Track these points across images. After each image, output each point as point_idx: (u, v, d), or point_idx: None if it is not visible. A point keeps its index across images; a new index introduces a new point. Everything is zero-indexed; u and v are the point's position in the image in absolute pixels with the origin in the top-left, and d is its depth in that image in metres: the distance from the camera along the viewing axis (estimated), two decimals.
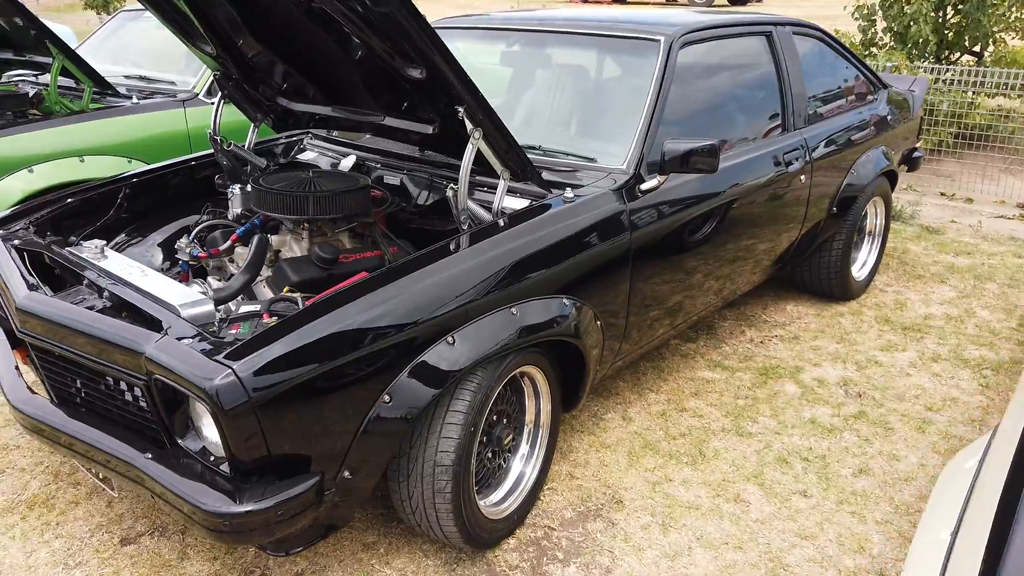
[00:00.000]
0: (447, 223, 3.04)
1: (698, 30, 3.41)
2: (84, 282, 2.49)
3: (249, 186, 3.28)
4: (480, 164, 2.62)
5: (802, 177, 3.94)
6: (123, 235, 3.28)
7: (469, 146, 2.49)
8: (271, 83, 3.30)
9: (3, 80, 5.71)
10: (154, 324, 2.20)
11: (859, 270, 4.88)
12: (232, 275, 2.98)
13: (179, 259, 3.05)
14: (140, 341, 2.03)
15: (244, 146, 3.56)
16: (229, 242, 2.95)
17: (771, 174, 3.68)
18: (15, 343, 2.78)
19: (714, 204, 3.32)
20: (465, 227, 2.59)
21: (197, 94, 4.89)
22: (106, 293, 2.38)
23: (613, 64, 3.38)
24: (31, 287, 2.42)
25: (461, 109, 2.41)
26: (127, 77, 5.16)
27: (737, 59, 3.75)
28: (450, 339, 2.26)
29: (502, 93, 3.60)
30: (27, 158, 4.14)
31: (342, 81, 3.01)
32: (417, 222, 3.15)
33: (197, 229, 3.17)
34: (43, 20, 4.71)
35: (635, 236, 2.90)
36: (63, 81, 4.83)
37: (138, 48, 5.60)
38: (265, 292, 2.73)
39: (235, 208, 3.29)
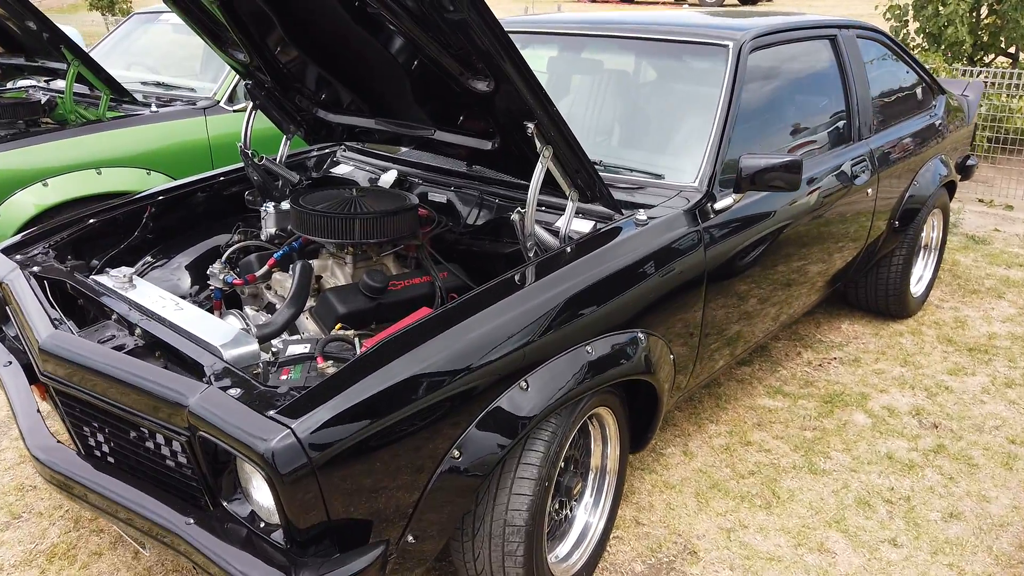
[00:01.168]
0: (501, 245, 2.81)
1: (767, 33, 3.17)
2: (112, 316, 2.26)
3: (284, 204, 3.06)
4: (523, 175, 2.39)
5: (869, 190, 3.70)
6: (148, 257, 3.04)
7: (539, 165, 2.25)
8: (307, 92, 3.07)
9: (14, 87, 5.50)
10: (192, 367, 1.98)
11: (915, 285, 4.64)
12: (268, 302, 2.75)
13: (211, 286, 2.81)
14: (182, 391, 1.79)
15: (276, 159, 3.33)
16: (266, 267, 2.72)
17: (840, 187, 3.44)
18: (33, 378, 2.55)
19: (784, 221, 3.08)
20: (531, 254, 2.35)
21: (218, 101, 4.67)
22: (138, 330, 2.15)
23: (676, 71, 3.14)
24: (54, 322, 2.18)
25: (531, 125, 2.17)
26: (143, 83, 4.93)
27: (804, 64, 3.51)
28: (523, 383, 2.02)
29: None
30: (41, 171, 3.92)
31: (387, 91, 2.77)
32: (466, 243, 2.91)
33: (229, 251, 2.94)
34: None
35: (709, 259, 2.66)
36: (78, 88, 4.61)
37: (154, 53, 5.38)
38: (306, 323, 2.50)
39: (269, 228, 3.06)
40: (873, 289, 4.43)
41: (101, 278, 2.47)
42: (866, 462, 3.18)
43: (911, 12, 9.00)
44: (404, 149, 3.46)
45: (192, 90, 4.82)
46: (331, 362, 1.97)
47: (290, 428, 1.63)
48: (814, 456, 3.21)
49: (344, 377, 1.77)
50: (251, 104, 3.23)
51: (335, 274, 2.72)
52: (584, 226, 2.57)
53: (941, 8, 8.70)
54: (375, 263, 2.78)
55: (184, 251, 3.13)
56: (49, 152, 3.98)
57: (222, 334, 2.08)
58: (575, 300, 2.18)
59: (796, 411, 3.56)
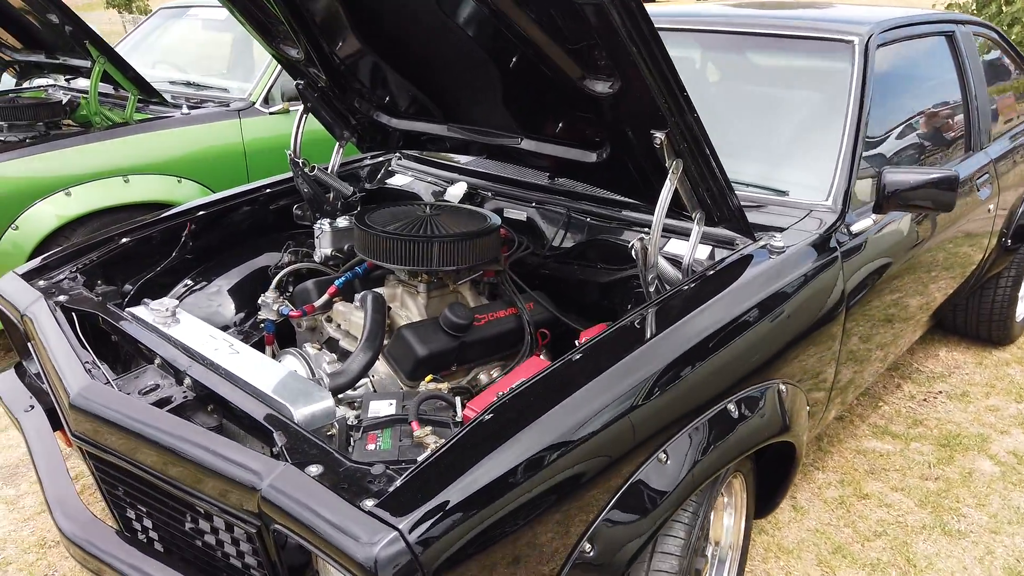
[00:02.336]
0: (594, 271, 2.46)
1: (891, 28, 2.79)
2: (155, 361, 1.91)
3: (341, 221, 2.71)
4: (634, 193, 2.04)
5: (990, 206, 3.31)
6: (187, 280, 2.70)
7: (667, 183, 1.89)
8: (367, 93, 2.72)
9: (31, 86, 5.19)
10: (253, 427, 1.63)
11: (1019, 309, 4.24)
12: (329, 337, 2.39)
13: (262, 317, 2.46)
14: (253, 470, 1.44)
15: (328, 169, 2.98)
16: (326, 296, 2.36)
17: (966, 203, 3.05)
18: (57, 423, 2.21)
19: (915, 244, 2.70)
20: (652, 288, 1.98)
21: (254, 103, 4.32)
22: (187, 380, 1.80)
23: (792, 69, 2.76)
24: (87, 369, 1.83)
25: (661, 135, 1.81)
26: (171, 83, 4.60)
27: (922, 64, 3.13)
28: (662, 455, 1.65)
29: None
30: (63, 178, 3.59)
31: (466, 93, 2.42)
32: (551, 268, 2.55)
33: (279, 276, 2.59)
34: None
35: (848, 290, 2.29)
36: (102, 88, 4.28)
37: (182, 50, 5.05)
38: (376, 364, 2.14)
39: (323, 248, 2.72)
40: (975, 313, 4.03)
41: (139, 311, 2.12)
42: (1006, 521, 2.79)
43: (973, 10, 8.60)
44: (467, 158, 3.10)
45: (225, 90, 4.48)
46: (429, 429, 1.61)
47: (397, 529, 1.27)
48: (944, 513, 2.82)
49: (457, 455, 1.40)
50: (302, 106, 2.87)
51: (406, 305, 2.36)
52: (700, 251, 2.21)
53: (1005, 7, 8.30)
54: (451, 292, 2.42)
55: (225, 273, 2.79)
56: (72, 158, 3.65)
57: (291, 388, 1.72)
58: (710, 347, 1.81)
59: (911, 456, 3.17)
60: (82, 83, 4.90)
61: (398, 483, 1.36)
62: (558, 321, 2.43)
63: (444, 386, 1.82)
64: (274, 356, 2.51)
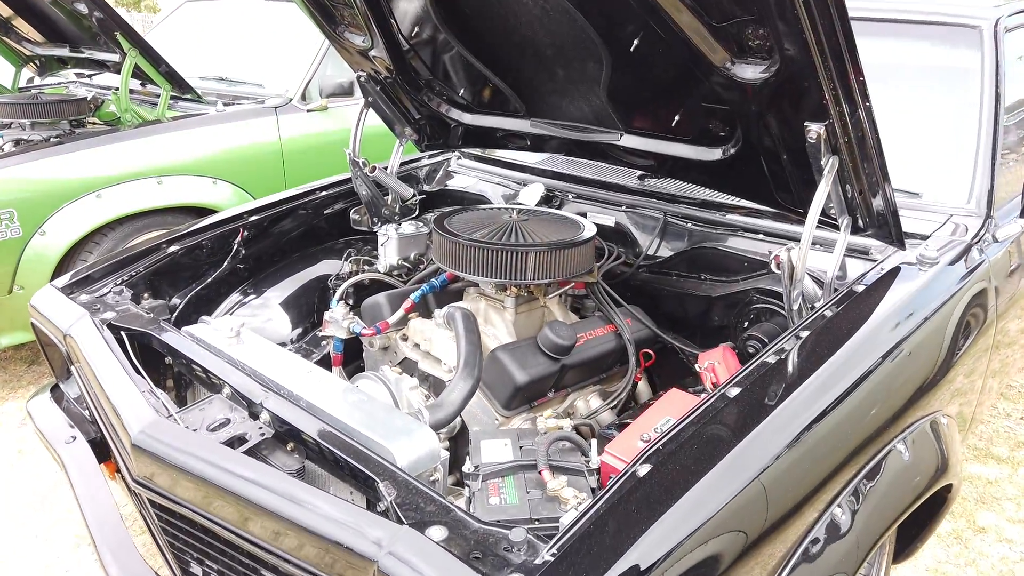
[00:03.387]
0: (697, 284, 2.20)
1: (1018, 12, 2.53)
2: (223, 391, 1.66)
3: (406, 226, 2.47)
4: (761, 195, 1.78)
5: None
6: (239, 292, 2.46)
7: (822, 185, 1.63)
8: (439, 86, 2.47)
9: (52, 82, 4.97)
10: (346, 469, 1.38)
11: None
12: (404, 358, 2.14)
13: (327, 335, 2.22)
14: (370, 538, 1.18)
15: (388, 169, 2.73)
16: (401, 312, 2.11)
17: None
18: (103, 455, 1.98)
19: None
20: (796, 307, 1.72)
21: (291, 100, 4.08)
22: (263, 415, 1.55)
23: (914, 57, 2.49)
24: (148, 401, 1.59)
25: (818, 128, 1.55)
26: (202, 78, 4.35)
27: None
28: (838, 508, 1.40)
29: None
30: (93, 181, 3.35)
31: (554, 83, 2.17)
32: (646, 279, 2.31)
33: (342, 287, 2.34)
34: None
35: (1000, 305, 2.03)
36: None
37: (211, 43, 4.80)
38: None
39: (389, 257, 2.47)
40: None
41: (199, 330, 1.88)
42: None
43: None
44: (537, 157, 2.85)
45: (260, 86, 4.23)
46: (564, 479, 1.35)
47: None
48: None
49: (619, 521, 1.15)
50: (364, 101, 2.63)
51: (490, 321, 2.11)
52: (823, 261, 1.95)
53: None
54: (540, 307, 2.17)
55: (279, 284, 2.55)
56: (102, 159, 3.41)
57: (386, 424, 1.47)
58: (876, 379, 1.55)
59: (1020, 483, 2.90)
60: (106, 79, 4.67)
61: (547, 555, 1.10)
62: (657, 338, 2.18)
63: (567, 424, 1.56)
64: (348, 379, 2.27)
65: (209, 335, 1.85)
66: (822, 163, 1.61)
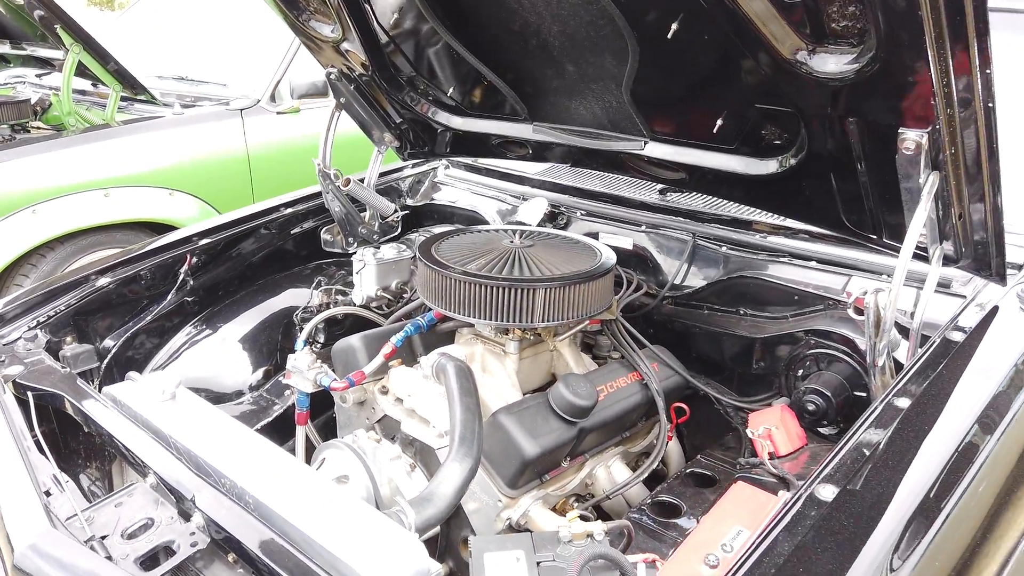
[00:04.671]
0: (736, 321, 1.86)
1: None
2: (148, 478, 1.29)
3: (386, 251, 2.11)
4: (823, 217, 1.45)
5: None
6: (188, 329, 2.09)
7: (920, 207, 1.28)
8: (423, 85, 2.11)
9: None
10: None
11: None
12: (383, 415, 1.78)
13: (290, 386, 1.85)
14: None
15: (364, 182, 2.37)
16: (380, 359, 1.74)
17: None
18: None
19: None
20: (881, 361, 1.37)
21: (258, 101, 3.70)
22: (196, 517, 1.18)
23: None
24: (44, 503, 1.22)
25: (918, 136, 1.20)
26: (159, 77, 3.97)
27: None
28: None
29: None
30: (28, 194, 2.97)
31: (565, 82, 1.82)
32: (672, 313, 1.96)
33: (310, 326, 1.97)
34: None
35: None
36: (79, 83, 3.66)
37: (170, 39, 4.41)
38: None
39: (366, 287, 2.11)
40: None
41: (123, 391, 1.51)
42: None
43: None
44: (539, 167, 2.50)
45: (224, 86, 3.85)
46: None
47: None
48: None
49: None
50: (335, 102, 2.26)
51: (488, 369, 1.75)
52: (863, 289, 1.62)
53: None
54: (548, 349, 1.82)
55: (235, 319, 2.18)
56: (41, 167, 3.02)
57: (364, 536, 1.11)
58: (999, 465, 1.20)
59: None
60: (56, 78, 4.28)
61: None
62: (687, 386, 1.83)
63: (600, 528, 1.20)
64: (307, 447, 1.91)
65: (136, 398, 1.48)
66: (919, 180, 1.26)
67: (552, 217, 2.24)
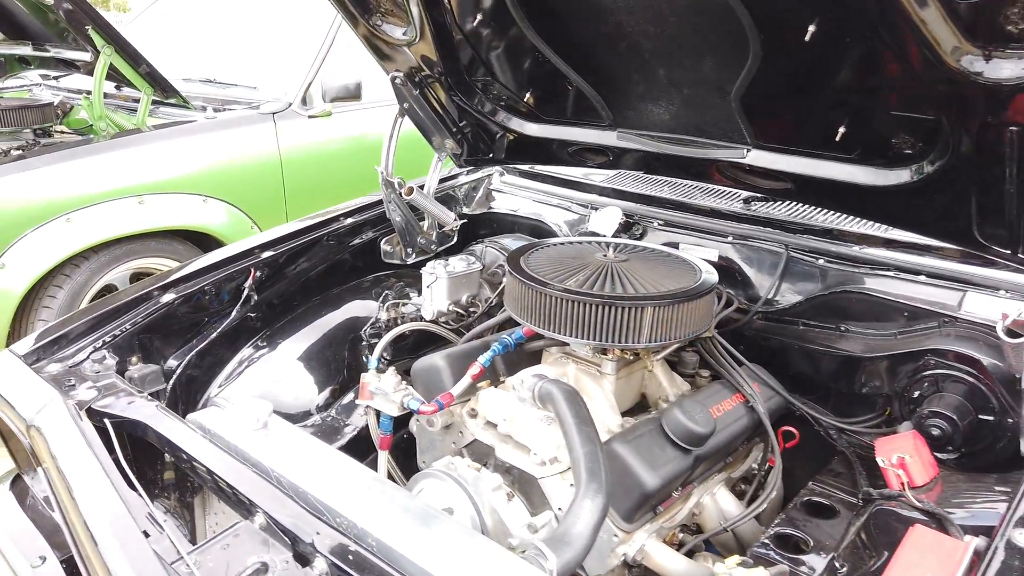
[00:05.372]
0: (834, 336, 1.78)
1: None
2: (256, 519, 1.20)
3: (455, 263, 2.04)
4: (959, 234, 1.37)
5: None
6: (248, 348, 2.00)
7: None
8: (498, 89, 2.03)
9: (11, 85, 4.46)
10: None
11: None
12: (471, 440, 1.69)
13: (367, 406, 1.77)
14: None
15: (425, 190, 2.28)
16: (467, 379, 1.65)
17: None
18: None
19: None
20: None
21: (290, 104, 3.61)
22: (320, 564, 1.09)
23: None
24: (143, 532, 1.13)
25: None
26: (186, 80, 3.87)
27: None
28: None
29: None
30: (62, 202, 2.87)
31: (656, 86, 1.74)
32: (757, 328, 1.88)
33: (382, 344, 1.88)
34: None
35: None
36: (91, 83, 3.56)
37: (197, 41, 4.31)
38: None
39: (437, 302, 2.03)
40: None
41: (211, 420, 1.42)
42: None
43: None
44: (604, 175, 2.42)
45: (254, 89, 3.76)
46: None
47: None
48: None
49: None
50: (399, 105, 2.17)
51: (584, 391, 1.66)
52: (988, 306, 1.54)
53: None
54: (642, 368, 1.74)
55: (297, 335, 2.08)
56: (73, 175, 2.93)
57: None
58: None
59: None
60: (74, 81, 4.17)
61: None
62: (789, 407, 1.75)
63: None
64: (394, 473, 1.82)
65: (227, 426, 1.39)
66: None
67: (626, 227, 2.15)
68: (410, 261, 2.33)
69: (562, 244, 1.85)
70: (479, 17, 1.78)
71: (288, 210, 3.61)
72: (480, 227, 2.54)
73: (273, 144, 3.53)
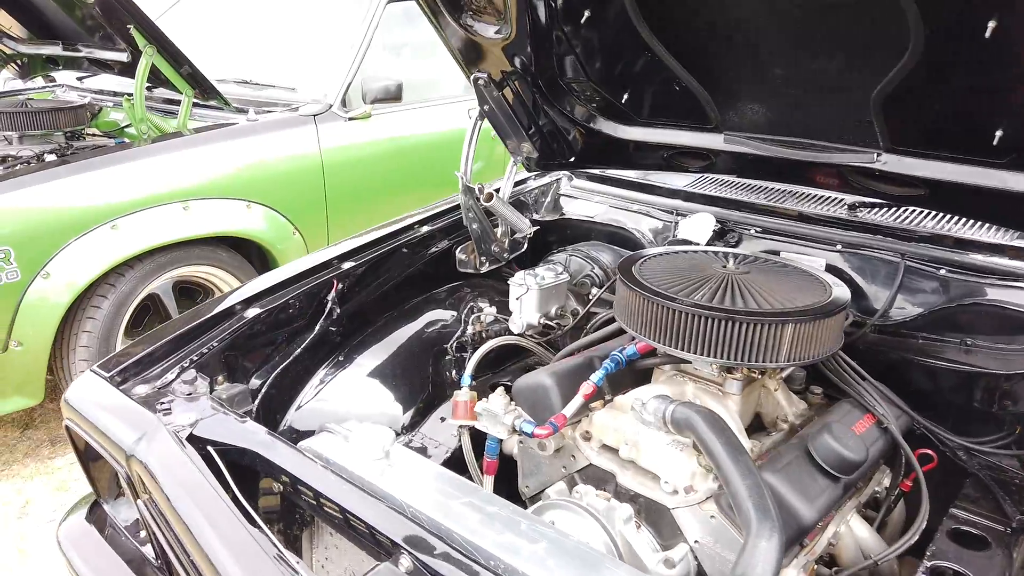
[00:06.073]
0: (959, 352, 1.68)
1: None
2: (401, 562, 1.10)
3: (544, 273, 1.95)
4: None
5: None
6: (328, 365, 1.89)
7: None
8: (592, 89, 1.93)
9: (35, 86, 4.36)
10: None
11: None
12: (586, 464, 1.59)
13: (464, 429, 1.67)
14: None
15: (500, 195, 2.19)
16: (579, 399, 1.55)
17: None
18: None
19: None
20: None
21: (331, 106, 3.51)
22: None
23: None
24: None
25: None
26: (220, 81, 3.75)
27: None
28: None
29: None
30: (107, 208, 2.77)
31: (768, 85, 1.65)
32: (870, 341, 1.79)
33: (474, 360, 1.79)
34: None
35: None
36: (127, 85, 3.46)
37: (227, 40, 4.21)
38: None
39: (527, 315, 1.93)
40: None
41: (327, 448, 1.32)
42: None
43: None
44: (685, 179, 2.32)
45: (292, 90, 3.66)
46: None
47: None
48: None
49: None
50: (479, 107, 2.08)
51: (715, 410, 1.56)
52: None
53: None
54: (760, 386, 1.64)
55: (376, 349, 1.98)
56: (117, 181, 2.82)
57: None
58: None
59: None
60: (98, 81, 4.07)
61: None
62: (915, 428, 1.66)
63: None
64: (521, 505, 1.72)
65: (346, 456, 1.29)
66: None
67: (720, 234, 2.05)
68: (483, 270, 2.24)
69: (675, 254, 1.75)
70: (586, 14, 1.69)
71: (329, 214, 3.51)
72: (550, 234, 2.44)
73: (315, 147, 3.43)
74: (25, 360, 2.64)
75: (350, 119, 3.58)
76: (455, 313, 2.12)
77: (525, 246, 2.33)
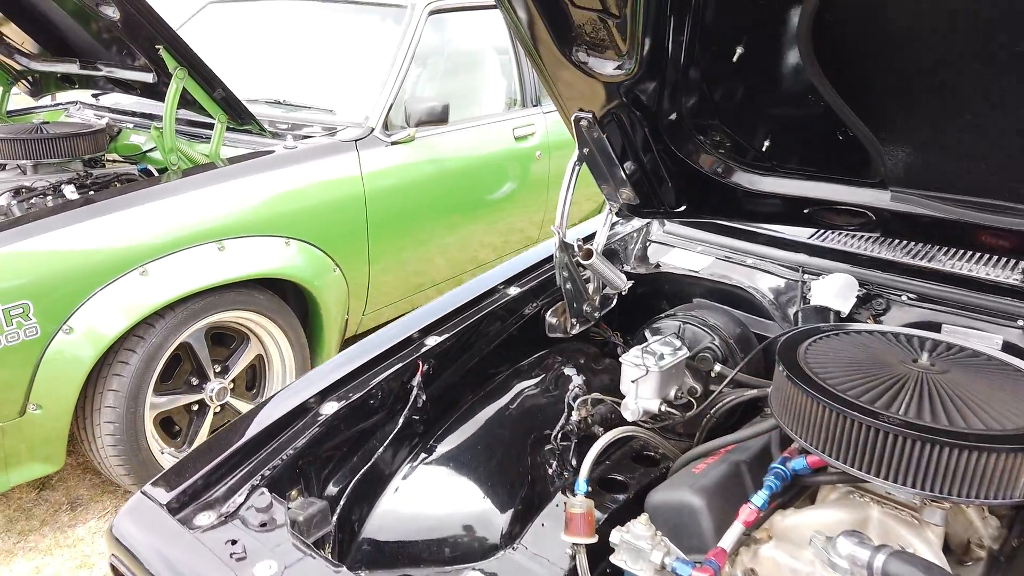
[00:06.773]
0: None
1: None
2: None
3: (661, 348, 1.66)
4: None
5: None
6: (415, 457, 1.60)
7: None
8: (724, 135, 1.63)
9: (43, 105, 4.07)
10: None
11: None
12: None
13: (579, 546, 1.38)
14: None
15: (595, 245, 1.89)
16: (739, 526, 1.26)
17: None
18: None
19: None
20: None
21: (372, 130, 3.21)
22: None
23: None
24: None
25: None
26: (251, 102, 3.45)
27: None
28: None
29: None
30: (136, 251, 2.48)
31: (952, 135, 1.36)
32: None
33: (590, 461, 1.50)
34: None
35: None
36: (149, 107, 3.17)
37: (252, 58, 3.91)
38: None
39: (644, 399, 1.66)
40: None
41: None
42: None
43: None
44: (791, 229, 2.03)
45: (331, 112, 3.36)
46: None
47: None
48: None
49: None
50: (578, 150, 1.78)
51: (905, 547, 1.27)
52: None
53: None
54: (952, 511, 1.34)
55: (469, 439, 1.69)
56: (147, 220, 2.53)
57: None
58: None
59: None
60: (114, 98, 3.78)
61: None
62: None
63: None
64: None
65: None
66: None
67: (864, 300, 1.76)
68: (573, 332, 1.96)
69: (841, 335, 1.45)
70: (739, 51, 1.39)
71: (370, 245, 3.22)
72: (641, 286, 2.15)
73: (357, 175, 3.14)
74: (45, 424, 2.36)
75: (393, 143, 3.28)
76: (547, 388, 1.83)
77: (614, 303, 2.04)
